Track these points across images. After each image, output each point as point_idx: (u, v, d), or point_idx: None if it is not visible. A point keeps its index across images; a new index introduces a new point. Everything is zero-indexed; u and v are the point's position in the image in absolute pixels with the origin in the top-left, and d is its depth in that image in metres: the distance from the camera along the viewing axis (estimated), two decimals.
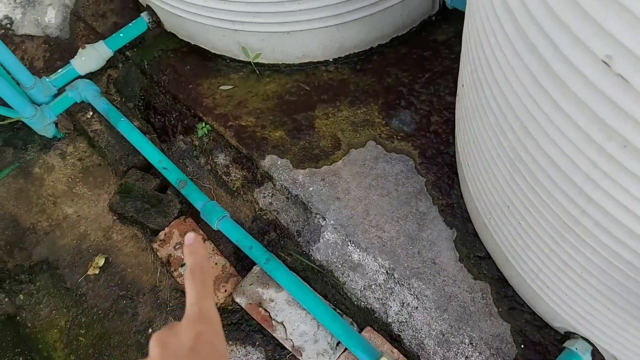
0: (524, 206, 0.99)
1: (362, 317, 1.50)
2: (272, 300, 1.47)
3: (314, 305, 1.39)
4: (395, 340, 1.45)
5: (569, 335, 1.28)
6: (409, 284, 1.46)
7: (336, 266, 1.56)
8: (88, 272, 1.69)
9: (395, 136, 1.66)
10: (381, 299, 1.49)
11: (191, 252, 0.54)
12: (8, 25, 2.17)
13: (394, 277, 1.48)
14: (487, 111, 0.96)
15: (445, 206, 1.54)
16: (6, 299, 1.70)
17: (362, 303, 1.52)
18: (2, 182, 1.92)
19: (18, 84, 1.73)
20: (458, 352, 1.39)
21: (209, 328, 0.48)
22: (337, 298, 1.54)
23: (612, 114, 0.63)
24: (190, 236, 0.56)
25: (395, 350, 1.37)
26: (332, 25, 1.64)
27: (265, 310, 1.46)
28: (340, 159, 1.65)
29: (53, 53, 2.13)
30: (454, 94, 1.69)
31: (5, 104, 1.96)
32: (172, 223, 1.64)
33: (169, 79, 1.87)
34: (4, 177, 1.92)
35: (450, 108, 1.67)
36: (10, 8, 2.20)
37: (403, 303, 1.47)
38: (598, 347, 1.20)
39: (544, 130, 0.78)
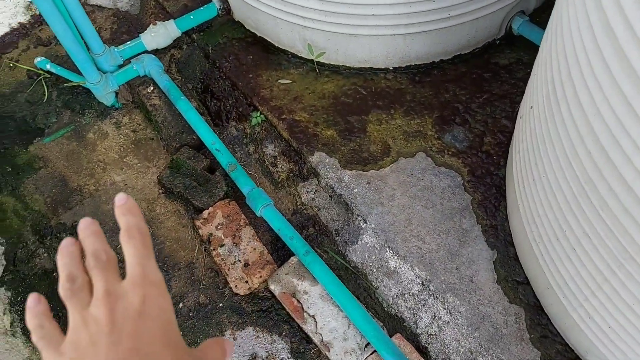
0: (583, 231, 0.97)
1: (391, 324, 1.49)
2: (306, 293, 1.47)
3: (348, 303, 1.39)
4: (421, 352, 1.44)
5: None
6: (443, 298, 1.45)
7: (371, 270, 1.56)
8: None
9: (446, 151, 1.65)
10: (413, 309, 1.49)
11: (125, 212, 0.48)
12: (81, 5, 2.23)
13: (429, 289, 1.47)
14: (560, 133, 0.96)
15: (488, 227, 1.53)
16: (45, 254, 1.73)
17: (393, 310, 1.51)
18: (57, 142, 1.96)
19: (88, 49, 1.77)
20: None
21: (155, 290, 0.44)
22: (368, 302, 1.53)
23: None
24: (121, 196, 0.50)
25: None
26: (399, 34, 1.65)
27: (298, 301, 1.46)
28: (389, 165, 1.65)
29: (120, 26, 2.18)
30: (510, 117, 1.68)
31: (70, 68, 2.01)
32: (217, 204, 1.66)
33: (230, 65, 1.90)
34: (58, 138, 1.96)
35: (505, 131, 1.66)
36: None
37: (435, 316, 1.45)
38: None
39: (625, 155, 0.77)
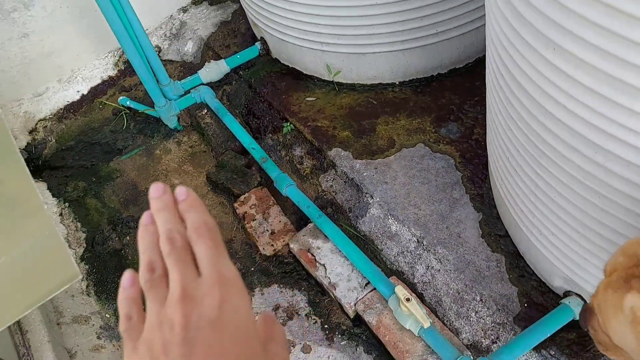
0: (531, 169, 1.21)
1: (390, 277, 1.71)
2: (318, 248, 1.73)
3: (351, 251, 1.64)
4: (418, 297, 1.63)
5: (566, 294, 1.41)
6: (435, 250, 1.66)
7: (377, 236, 1.80)
8: None
9: (441, 141, 1.92)
10: (410, 263, 1.70)
11: (188, 208, 0.45)
12: (157, 52, 2.76)
13: (423, 245, 1.69)
14: (497, 96, 1.23)
15: (476, 195, 1.76)
16: (116, 238, 2.09)
17: (395, 267, 1.73)
18: (131, 159, 2.39)
19: (157, 81, 2.24)
20: (470, 308, 1.55)
21: (232, 289, 0.41)
22: (375, 263, 1.76)
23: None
24: (182, 190, 0.47)
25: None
26: (399, 50, 1.99)
27: (312, 255, 1.72)
28: (393, 154, 1.94)
29: (185, 73, 2.67)
30: None
31: (143, 103, 2.48)
32: (252, 190, 1.98)
33: (268, 91, 2.30)
34: (133, 155, 2.40)
35: None
36: (161, 40, 2.80)
37: (428, 266, 1.66)
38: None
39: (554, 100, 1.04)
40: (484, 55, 2.12)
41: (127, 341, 0.42)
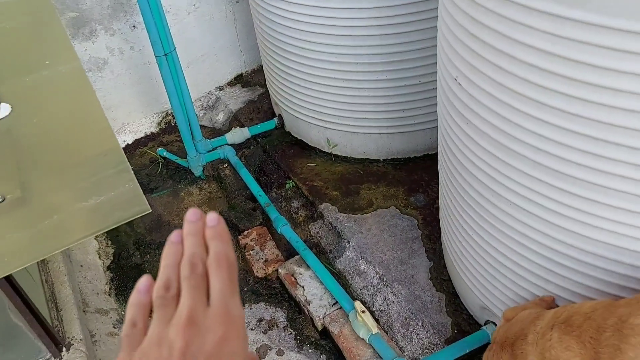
0: (458, 230, 1.63)
1: None
2: (301, 274, 2.09)
3: (326, 277, 2.00)
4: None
5: (486, 323, 1.76)
6: (392, 285, 2.02)
7: (349, 272, 2.17)
8: None
9: (410, 206, 2.34)
10: (372, 295, 2.05)
11: (215, 236, 0.46)
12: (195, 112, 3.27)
13: (384, 281, 2.05)
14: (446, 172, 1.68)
15: (430, 248, 2.14)
16: (138, 255, 2.47)
17: (360, 298, 2.08)
18: (160, 197, 2.82)
19: (193, 136, 2.72)
20: (413, 331, 1.88)
21: (233, 331, 0.41)
22: None
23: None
24: (213, 217, 0.47)
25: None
26: (384, 133, 2.47)
27: (295, 278, 2.08)
28: (370, 212, 2.35)
29: (214, 136, 3.16)
30: None
31: (176, 154, 2.95)
32: (254, 228, 2.38)
33: (278, 155, 2.77)
34: (161, 195, 2.83)
35: None
36: (198, 109, 3.33)
37: (385, 298, 2.01)
38: None
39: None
40: None
41: (125, 346, 0.42)
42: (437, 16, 2.06)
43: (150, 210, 1.14)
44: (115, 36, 2.93)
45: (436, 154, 2.58)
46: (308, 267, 2.11)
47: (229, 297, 0.43)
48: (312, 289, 2.03)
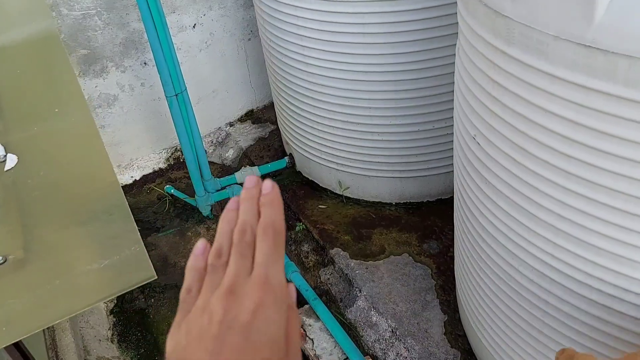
0: (478, 284, 1.59)
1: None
2: (310, 325, 2.04)
3: (337, 331, 1.95)
4: None
5: None
6: (405, 340, 1.97)
7: (360, 324, 2.12)
8: None
9: (423, 254, 2.30)
10: (384, 349, 2.00)
11: (267, 202, 0.46)
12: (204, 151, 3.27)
13: (396, 335, 2.00)
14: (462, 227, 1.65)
15: (444, 300, 2.09)
16: (143, 299, 2.44)
17: (371, 351, 2.02)
18: (166, 236, 2.80)
19: (201, 175, 2.71)
20: None
21: (271, 297, 0.42)
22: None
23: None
24: (269, 183, 0.48)
25: None
26: (397, 177, 2.44)
27: (304, 330, 2.03)
28: (382, 259, 2.30)
29: (223, 174, 3.15)
30: None
31: (184, 193, 2.94)
32: None
33: (288, 196, 2.75)
34: (167, 234, 2.81)
35: None
36: (208, 145, 3.34)
37: (398, 353, 1.96)
38: None
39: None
40: None
41: (179, 312, 0.44)
42: (454, 62, 2.06)
43: (156, 277, 1.11)
44: (126, 73, 2.96)
45: (450, 199, 2.55)
46: (318, 318, 2.06)
47: (271, 265, 0.43)
48: (321, 342, 1.98)
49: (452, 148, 2.37)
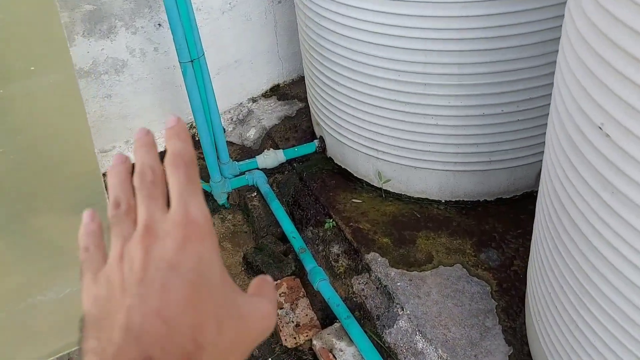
0: (572, 307, 1.20)
1: None
2: (341, 351, 1.68)
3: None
4: None
5: None
6: None
7: (402, 350, 1.74)
8: None
9: (480, 266, 1.90)
10: None
11: (172, 135, 0.41)
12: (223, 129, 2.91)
13: None
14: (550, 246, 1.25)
15: (508, 328, 1.70)
16: None
17: None
18: None
19: (218, 158, 2.34)
20: None
21: (196, 231, 0.38)
22: None
23: None
24: (172, 118, 0.43)
25: None
26: (450, 170, 2.04)
27: (334, 356, 1.67)
28: (429, 270, 1.92)
29: (242, 156, 2.79)
30: None
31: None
32: (284, 278, 1.98)
33: (317, 186, 2.37)
34: None
35: None
36: (227, 122, 2.97)
37: None
38: None
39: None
40: (533, 191, 2.15)
41: (85, 272, 0.40)
42: (543, 29, 1.64)
43: None
44: (137, 35, 2.59)
45: (512, 199, 2.15)
46: (351, 341, 1.69)
47: (188, 197, 0.39)
48: None
49: (523, 138, 1.97)
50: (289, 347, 1.77)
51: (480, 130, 1.90)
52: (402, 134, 2.01)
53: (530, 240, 1.98)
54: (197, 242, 0.37)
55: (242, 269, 2.17)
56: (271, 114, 2.95)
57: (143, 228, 0.38)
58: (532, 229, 2.02)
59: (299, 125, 2.82)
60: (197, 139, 2.86)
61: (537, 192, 2.16)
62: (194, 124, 2.87)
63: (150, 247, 0.37)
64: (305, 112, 2.89)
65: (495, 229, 2.03)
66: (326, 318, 1.92)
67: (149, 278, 0.36)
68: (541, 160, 2.04)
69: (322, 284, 1.87)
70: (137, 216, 0.40)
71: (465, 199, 2.13)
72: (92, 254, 0.41)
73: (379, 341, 1.78)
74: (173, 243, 0.37)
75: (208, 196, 2.51)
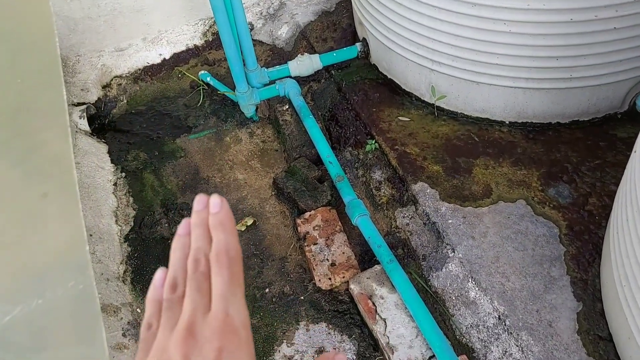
0: None
1: (459, 352, 1.47)
2: (382, 298, 1.51)
3: (421, 313, 1.41)
4: None
5: None
6: (518, 335, 1.41)
7: (450, 297, 1.56)
8: (237, 227, 1.88)
9: (547, 203, 1.65)
10: (484, 341, 1.46)
11: (217, 225, 0.44)
12: (249, 29, 2.59)
13: (505, 324, 1.44)
14: None
15: (578, 280, 1.49)
16: (166, 224, 1.95)
17: (465, 339, 1.49)
18: (199, 139, 2.24)
19: (244, 64, 2.06)
20: None
21: (234, 341, 0.40)
22: (441, 327, 1.53)
23: None
24: (216, 202, 0.45)
25: None
26: (520, 87, 1.73)
27: (374, 304, 1.50)
28: (487, 206, 1.68)
29: (273, 59, 2.49)
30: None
31: (224, 84, 2.32)
32: (319, 209, 1.78)
33: (358, 99, 2.09)
34: (201, 137, 2.25)
35: (612, 196, 1.62)
36: (255, 17, 2.63)
37: (506, 352, 1.42)
38: None
39: None
40: (615, 113, 1.83)
41: (140, 351, 0.42)
42: None
43: None
44: None
45: (590, 123, 1.82)
46: (393, 287, 1.52)
47: (230, 300, 0.41)
48: (397, 325, 1.45)
49: (615, 51, 1.61)
50: (323, 289, 1.61)
51: (564, 40, 1.55)
52: (465, 41, 1.68)
53: (610, 173, 1.70)
54: (234, 351, 0.40)
55: (272, 193, 1.97)
56: (306, 7, 2.59)
57: (185, 328, 0.40)
58: (613, 160, 1.73)
59: (338, 23, 2.47)
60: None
61: (621, 114, 1.84)
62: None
63: (189, 352, 0.39)
64: (347, 6, 2.52)
65: (568, 159, 1.75)
66: (364, 255, 1.74)
67: None
68: (632, 78, 1.69)
69: (362, 219, 1.66)
70: (183, 307, 0.42)
71: (534, 121, 1.83)
72: (152, 335, 0.42)
73: (424, 284, 1.60)
74: (210, 350, 0.39)
75: (235, 106, 2.27)
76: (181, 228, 0.47)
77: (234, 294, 0.42)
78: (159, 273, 0.46)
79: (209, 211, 0.46)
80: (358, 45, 2.18)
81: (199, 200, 0.47)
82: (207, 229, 0.45)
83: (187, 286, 0.43)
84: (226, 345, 0.40)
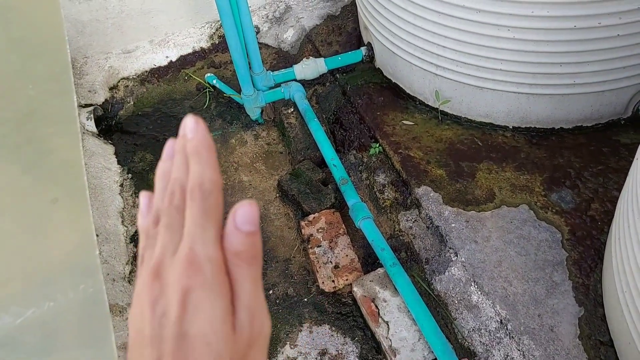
0: None
1: (461, 356, 1.49)
2: (385, 301, 1.53)
3: (423, 316, 1.43)
4: None
5: None
6: (519, 339, 1.43)
7: (452, 301, 1.58)
8: None
9: (550, 208, 1.66)
10: (486, 345, 1.47)
11: (192, 152, 0.39)
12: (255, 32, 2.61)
13: (507, 328, 1.46)
14: None
15: (580, 285, 1.50)
16: None
17: (466, 343, 1.50)
18: None
19: (250, 67, 2.08)
20: None
21: (199, 280, 0.35)
22: (443, 331, 1.54)
23: None
24: (190, 125, 0.41)
25: None
26: (523, 92, 1.74)
27: (376, 307, 1.52)
28: (490, 210, 1.70)
29: (279, 61, 2.51)
30: None
31: (230, 87, 2.34)
32: (323, 211, 1.80)
33: (362, 103, 2.10)
34: None
35: (614, 202, 1.64)
36: (262, 21, 2.65)
37: (507, 355, 1.43)
38: None
39: None
40: (618, 119, 1.84)
41: (141, 266, 0.39)
42: None
43: None
44: None
45: (593, 129, 1.83)
46: (395, 290, 1.53)
47: (196, 235, 0.36)
48: (400, 328, 1.47)
49: (619, 57, 1.62)
50: (327, 291, 1.63)
51: (567, 46, 1.56)
52: (469, 47, 1.69)
53: (613, 178, 1.71)
54: (200, 292, 0.35)
55: (277, 195, 1.99)
56: (312, 11, 2.61)
57: (151, 273, 0.37)
58: (616, 166, 1.74)
59: (343, 27, 2.48)
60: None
61: (624, 120, 1.85)
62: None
63: (155, 296, 0.36)
64: (351, 10, 2.54)
65: (570, 164, 1.76)
66: (368, 258, 1.75)
67: (157, 340, 0.35)
68: (636, 84, 1.70)
69: (365, 222, 1.67)
70: (156, 243, 0.38)
71: (537, 126, 1.84)
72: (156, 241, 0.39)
73: (427, 288, 1.62)
74: (175, 294, 0.35)
75: (241, 108, 2.29)
76: (165, 151, 0.42)
77: (203, 228, 0.36)
78: (143, 198, 0.42)
79: (187, 134, 0.40)
80: (363, 49, 2.20)
81: (186, 123, 0.41)
82: (183, 156, 0.40)
83: (160, 224, 0.39)
84: (190, 284, 0.35)
